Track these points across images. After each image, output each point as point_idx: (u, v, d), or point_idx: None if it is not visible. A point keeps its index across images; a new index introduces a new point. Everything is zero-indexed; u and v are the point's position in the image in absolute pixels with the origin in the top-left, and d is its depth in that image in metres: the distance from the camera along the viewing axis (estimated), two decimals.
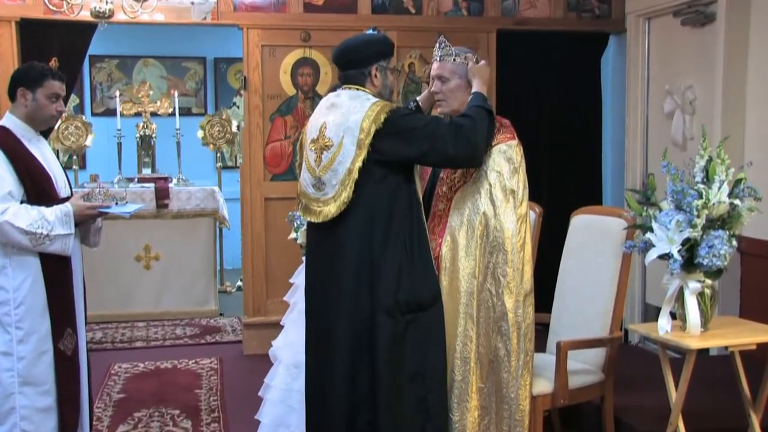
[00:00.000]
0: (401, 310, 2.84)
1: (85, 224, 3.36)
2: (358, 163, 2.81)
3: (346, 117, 2.86)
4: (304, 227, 3.54)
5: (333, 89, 3.09)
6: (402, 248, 2.86)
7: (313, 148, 2.94)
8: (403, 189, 2.90)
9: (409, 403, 2.86)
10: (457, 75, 3.07)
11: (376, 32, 3.07)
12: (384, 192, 2.86)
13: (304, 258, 3.26)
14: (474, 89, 3.04)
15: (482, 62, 3.12)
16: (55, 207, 3.18)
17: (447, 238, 3.05)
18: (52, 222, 3.13)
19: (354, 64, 2.97)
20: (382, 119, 2.81)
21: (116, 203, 3.69)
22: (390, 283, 2.83)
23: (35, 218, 3.10)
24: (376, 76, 2.97)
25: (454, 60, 3.08)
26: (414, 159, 2.91)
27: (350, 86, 2.97)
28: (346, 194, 2.83)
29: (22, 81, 3.26)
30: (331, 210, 2.86)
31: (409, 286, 2.86)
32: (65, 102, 4.14)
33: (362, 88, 2.96)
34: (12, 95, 3.28)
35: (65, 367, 3.24)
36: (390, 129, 2.82)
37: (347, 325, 2.86)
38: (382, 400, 2.82)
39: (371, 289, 2.83)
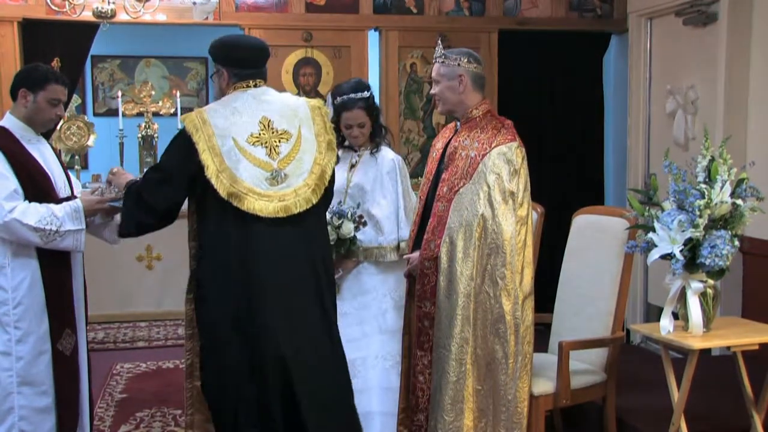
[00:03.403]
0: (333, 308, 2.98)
1: (104, 222, 3.33)
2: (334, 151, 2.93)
3: (294, 109, 2.92)
4: None
5: (241, 87, 2.96)
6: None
7: (257, 143, 2.84)
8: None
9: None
10: (446, 77, 3.15)
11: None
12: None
13: None
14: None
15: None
16: (64, 203, 3.17)
17: (446, 239, 3.04)
18: (61, 218, 3.11)
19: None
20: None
21: None
22: (332, 281, 2.99)
23: (44, 215, 3.08)
24: None
25: (443, 62, 3.17)
26: None
27: (261, 82, 2.96)
28: (327, 178, 2.89)
29: (24, 82, 3.24)
30: (311, 198, 2.83)
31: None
32: (66, 104, 4.12)
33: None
34: (14, 95, 3.27)
35: (64, 367, 3.23)
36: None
37: (323, 320, 2.90)
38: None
39: (329, 287, 2.92)
